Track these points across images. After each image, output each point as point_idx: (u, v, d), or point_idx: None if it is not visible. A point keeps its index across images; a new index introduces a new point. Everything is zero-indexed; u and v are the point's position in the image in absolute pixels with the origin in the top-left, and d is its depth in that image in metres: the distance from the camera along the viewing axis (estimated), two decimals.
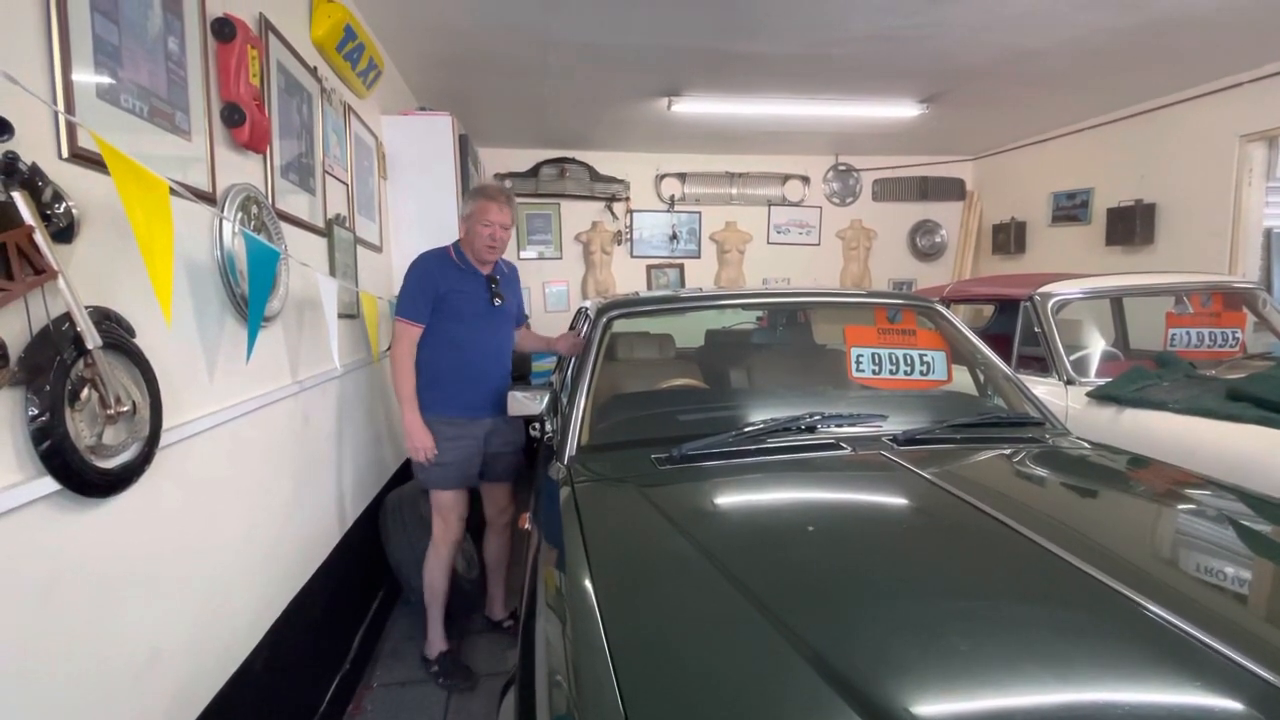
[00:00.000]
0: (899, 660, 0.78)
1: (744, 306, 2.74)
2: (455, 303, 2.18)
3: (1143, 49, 3.26)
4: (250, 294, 1.37)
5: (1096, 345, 2.88)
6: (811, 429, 1.67)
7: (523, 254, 5.43)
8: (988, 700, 0.72)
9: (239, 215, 1.47)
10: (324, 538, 2.05)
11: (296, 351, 1.86)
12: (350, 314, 2.38)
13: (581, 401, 1.86)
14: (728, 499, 1.44)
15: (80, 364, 0.94)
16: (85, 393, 0.95)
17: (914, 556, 1.13)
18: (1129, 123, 4.39)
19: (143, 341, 1.09)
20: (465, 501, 2.32)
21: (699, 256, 5.74)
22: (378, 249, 2.88)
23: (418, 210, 3.12)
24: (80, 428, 0.94)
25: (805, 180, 5.77)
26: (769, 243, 5.81)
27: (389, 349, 2.26)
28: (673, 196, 5.61)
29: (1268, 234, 4.00)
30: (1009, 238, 5.38)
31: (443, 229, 2.96)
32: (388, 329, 2.65)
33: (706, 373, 2.60)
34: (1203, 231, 3.96)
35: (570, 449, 1.74)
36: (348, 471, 2.29)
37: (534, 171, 5.32)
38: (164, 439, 1.13)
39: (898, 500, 1.36)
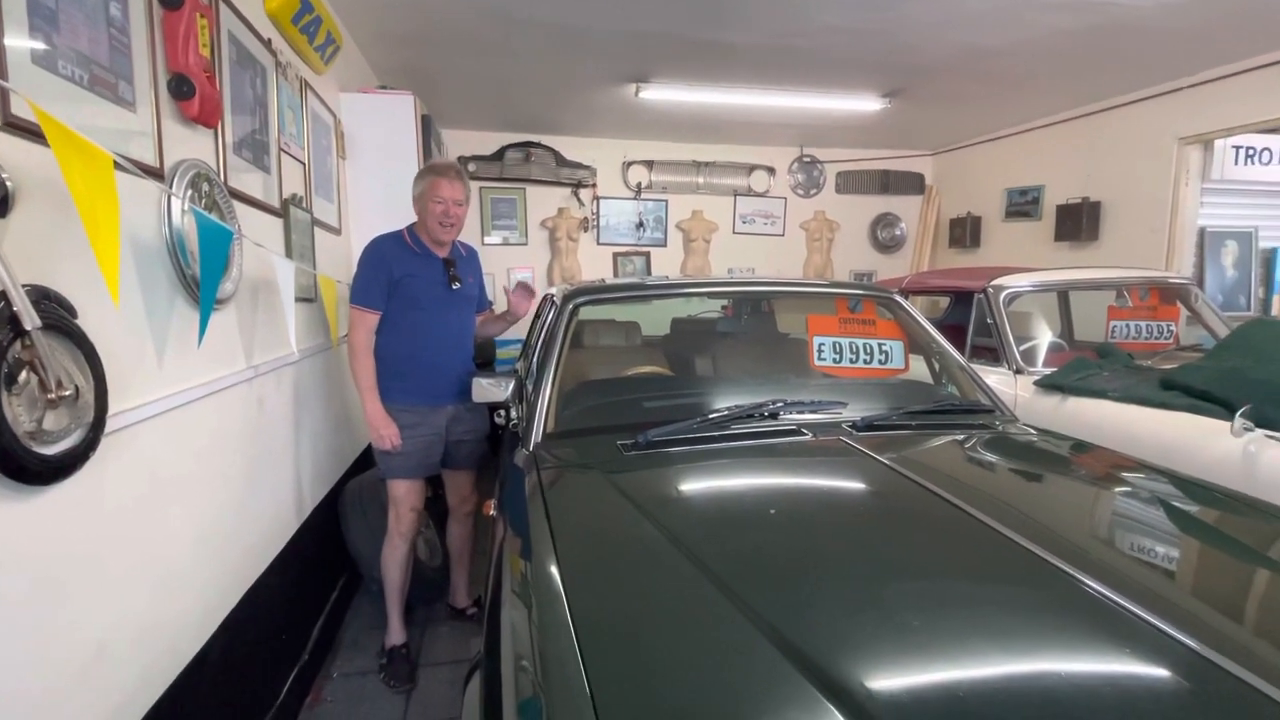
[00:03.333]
0: (856, 637, 0.82)
1: (709, 294, 2.76)
2: (411, 288, 2.12)
3: (1092, 52, 3.39)
4: (202, 275, 1.32)
5: (1044, 336, 3.01)
6: (774, 415, 1.71)
7: (487, 240, 5.35)
8: (937, 673, 0.76)
9: (189, 193, 1.41)
10: (281, 526, 2.00)
11: (251, 335, 1.80)
12: (308, 298, 2.31)
13: (547, 388, 1.85)
14: (692, 484, 1.46)
15: (17, 345, 0.89)
16: (23, 376, 0.90)
17: (871, 538, 1.17)
18: (1077, 123, 4.56)
19: (85, 323, 1.04)
20: (419, 493, 2.28)
21: (665, 245, 5.75)
22: (336, 231, 2.79)
23: (378, 192, 3.03)
24: (18, 412, 0.89)
25: (771, 171, 5.82)
26: (735, 232, 5.86)
27: (346, 336, 2.21)
28: (639, 184, 5.59)
29: (1201, 232, 4.22)
30: (965, 232, 5.55)
31: (404, 212, 2.86)
32: (347, 313, 2.59)
33: (672, 360, 2.62)
34: (1143, 229, 4.16)
35: (536, 436, 1.74)
36: (306, 459, 2.23)
37: (498, 155, 5.23)
38: (110, 424, 1.08)
39: (856, 484, 1.40)
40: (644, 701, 0.73)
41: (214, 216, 1.45)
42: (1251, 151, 4.25)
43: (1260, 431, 1.79)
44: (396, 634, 2.27)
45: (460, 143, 5.12)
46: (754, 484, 1.47)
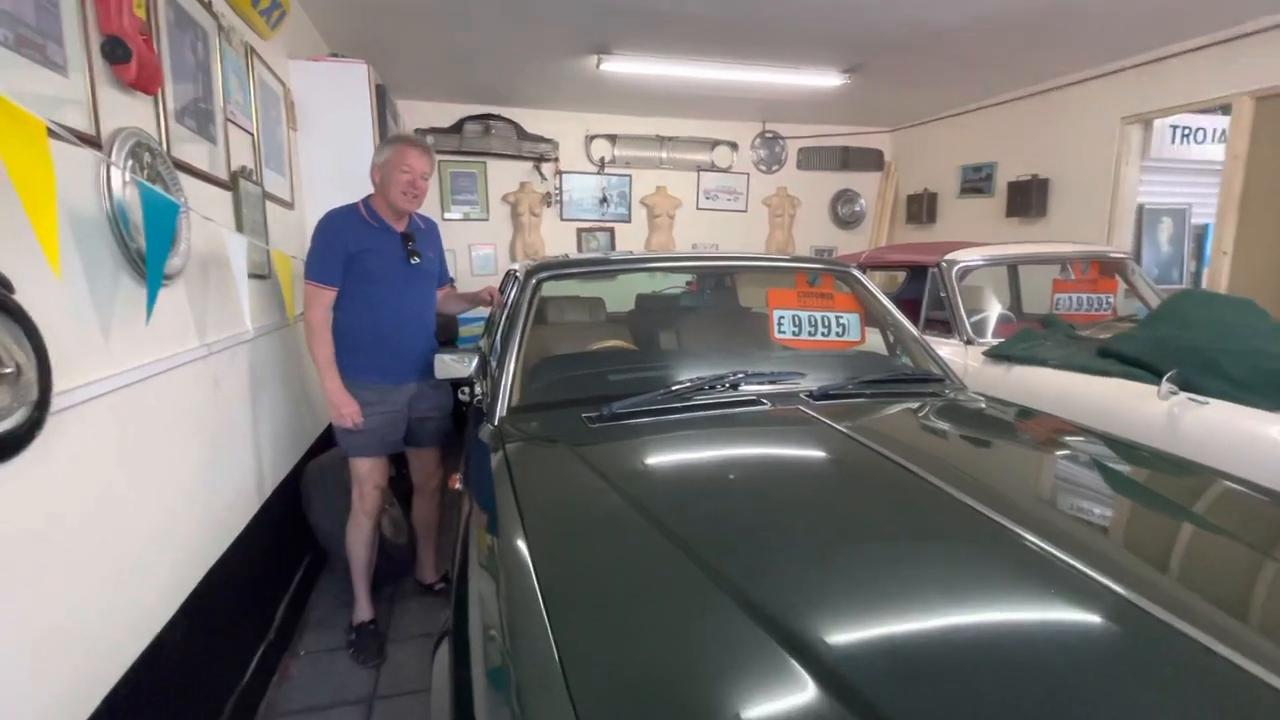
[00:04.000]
0: (814, 594, 0.86)
1: (670, 269, 2.78)
2: (368, 263, 2.07)
3: (1041, 32, 3.48)
4: (148, 250, 1.27)
5: (994, 309, 3.12)
6: (735, 386, 1.75)
7: (447, 215, 5.24)
8: (891, 624, 0.81)
9: (129, 163, 1.35)
10: (242, 506, 1.97)
11: (203, 313, 1.75)
12: (261, 274, 2.24)
13: (511, 363, 1.86)
14: (656, 454, 1.49)
15: None
16: None
17: (827, 501, 1.22)
18: (1028, 102, 4.69)
19: (23, 298, 1.00)
20: (383, 470, 2.26)
21: (630, 221, 5.73)
22: (289, 205, 2.71)
23: (332, 165, 2.94)
24: None
25: (734, 146, 5.83)
26: (698, 208, 5.87)
27: (303, 313, 2.15)
28: (603, 159, 5.54)
29: (1140, 209, 4.42)
30: (922, 208, 5.68)
31: (360, 185, 2.78)
32: (303, 289, 2.52)
33: (636, 335, 2.64)
34: (1087, 205, 4.33)
35: (501, 410, 1.75)
36: (265, 439, 2.19)
37: (457, 128, 5.10)
38: (56, 403, 1.05)
39: (813, 451, 1.46)
40: (612, 667, 0.75)
41: (158, 189, 1.39)
42: (1187, 131, 4.46)
43: (1184, 395, 1.91)
44: (364, 610, 2.27)
45: (417, 114, 4.97)
46: (716, 452, 1.51)
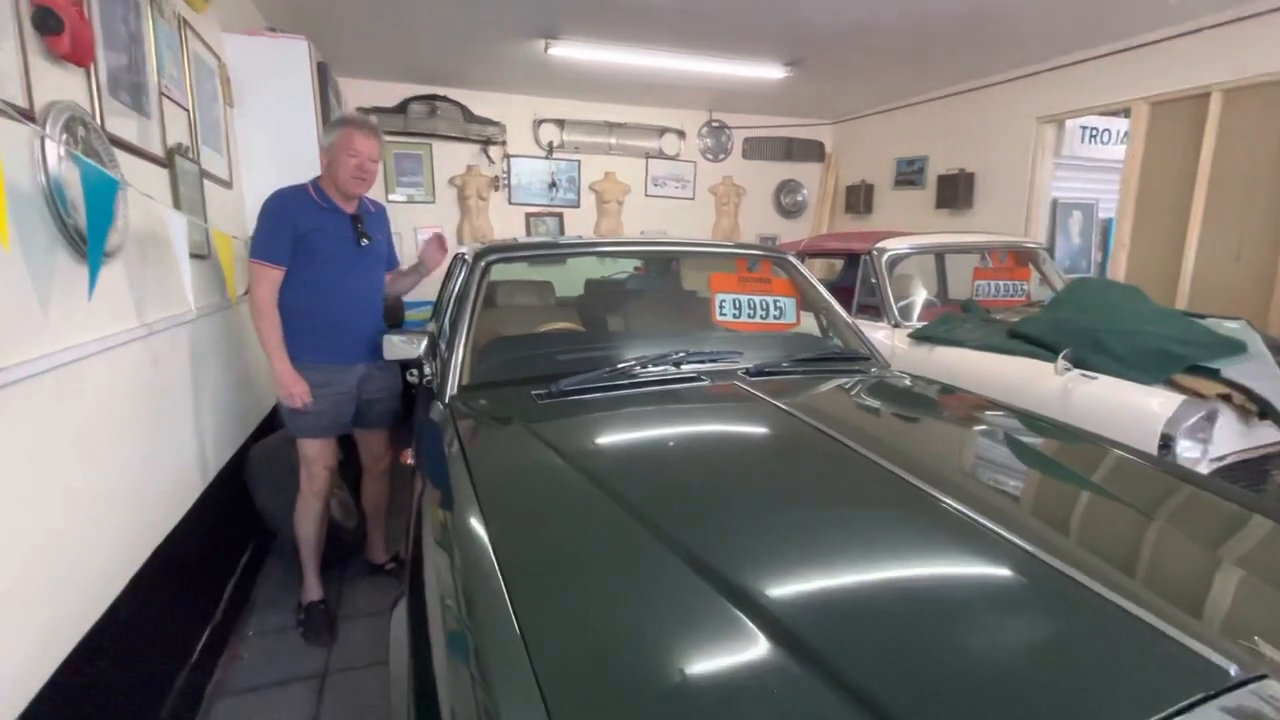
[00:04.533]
0: (755, 554, 0.94)
1: (617, 254, 2.86)
2: (317, 243, 2.06)
3: (970, 34, 3.70)
4: (90, 225, 1.26)
5: (920, 295, 3.34)
6: (677, 365, 1.85)
7: (392, 197, 5.15)
8: (823, 579, 0.91)
9: (64, 137, 1.33)
10: (186, 489, 1.96)
11: (141, 292, 1.72)
12: (200, 254, 2.20)
13: (461, 343, 1.90)
14: (604, 428, 1.58)
15: None
16: None
17: (764, 470, 1.33)
18: (956, 99, 4.96)
19: None
20: (332, 451, 2.27)
21: (578, 206, 5.76)
22: (227, 184, 2.64)
23: (272, 144, 2.87)
24: None
25: (681, 134, 5.92)
26: (647, 195, 5.95)
27: (247, 292, 2.12)
28: (551, 143, 5.53)
29: (1054, 204, 4.77)
30: (860, 198, 5.93)
31: (301, 164, 2.73)
32: (245, 270, 2.48)
33: (585, 318, 2.71)
34: (1008, 199, 4.63)
35: (451, 389, 1.80)
36: (207, 420, 2.16)
37: (401, 108, 5.00)
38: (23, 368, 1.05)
39: (749, 424, 1.57)
40: (570, 631, 0.80)
41: (94, 164, 1.37)
42: (1094, 132, 4.82)
43: (1076, 371, 2.14)
44: (314, 590, 2.28)
45: (360, 93, 4.85)
46: (660, 425, 1.60)
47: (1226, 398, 1.95)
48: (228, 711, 1.85)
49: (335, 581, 2.48)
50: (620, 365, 1.82)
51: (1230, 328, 2.20)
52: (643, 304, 2.87)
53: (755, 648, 0.76)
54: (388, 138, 5.00)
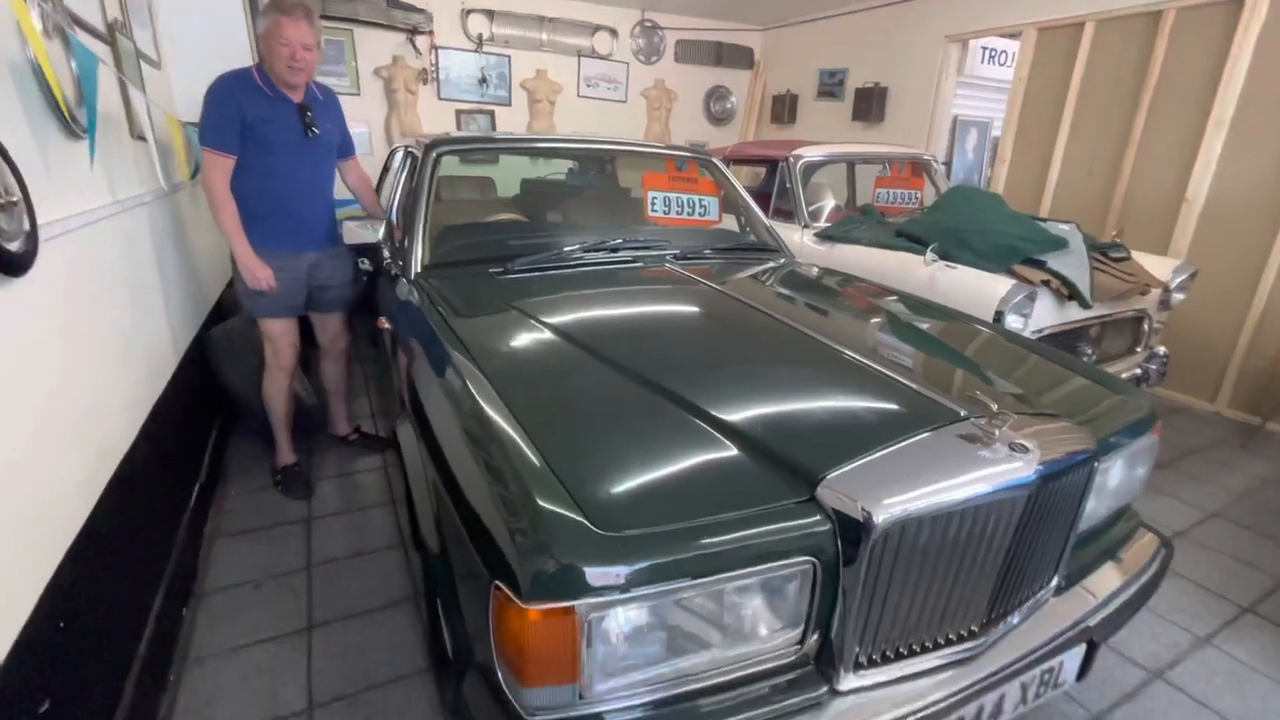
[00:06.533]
0: (703, 384, 1.25)
1: (564, 150, 3.03)
2: (264, 133, 2.06)
3: None
4: (86, 93, 1.37)
5: (829, 201, 3.73)
6: (615, 250, 2.16)
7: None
8: (758, 407, 1.21)
9: (37, 10, 1.40)
10: (163, 365, 2.11)
11: (110, 170, 1.80)
12: (143, 136, 2.22)
13: (420, 226, 2.11)
14: (558, 296, 1.86)
15: None
16: None
17: (697, 327, 1.69)
18: (874, 13, 5.19)
19: None
20: (295, 329, 2.37)
21: (510, 104, 5.70)
22: (156, 64, 2.58)
23: (198, 24, 2.78)
24: None
25: (614, 33, 5.87)
26: (579, 95, 5.94)
27: (196, 176, 2.16)
28: (480, 35, 5.38)
29: (954, 120, 5.21)
30: (785, 108, 6.17)
31: (228, 43, 2.70)
32: (190, 153, 2.51)
33: (528, 212, 2.93)
34: (915, 114, 5.03)
35: (416, 267, 2.03)
36: (175, 298, 2.28)
37: None
38: (42, 234, 1.22)
39: (682, 295, 1.89)
40: (583, 454, 1.02)
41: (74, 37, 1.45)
42: (994, 53, 5.22)
43: (941, 262, 2.61)
44: (287, 455, 2.53)
45: None
46: (607, 294, 1.91)
47: (1047, 283, 2.47)
48: (227, 549, 2.13)
49: (303, 452, 2.73)
50: (568, 249, 2.10)
51: (1062, 229, 2.71)
52: (582, 199, 3.10)
53: (712, 441, 1.09)
54: None
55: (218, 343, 2.60)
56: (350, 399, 2.84)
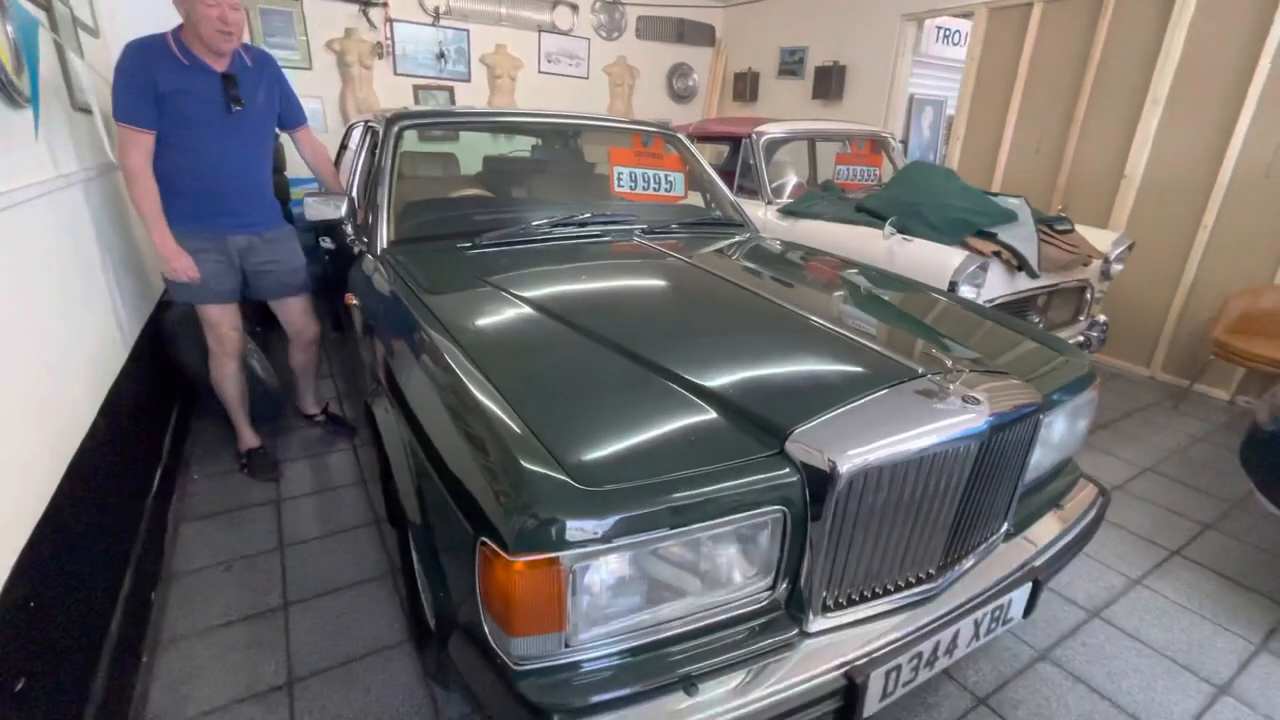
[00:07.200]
0: (676, 350, 1.29)
1: (529, 126, 2.99)
2: (180, 106, 1.87)
3: None
4: (29, 61, 1.31)
5: (791, 178, 3.79)
6: (583, 224, 2.17)
7: None
8: (729, 370, 1.24)
9: None
10: (117, 342, 2.05)
11: (52, 143, 1.72)
12: (87, 108, 2.12)
13: (385, 201, 2.09)
14: (530, 269, 1.88)
15: None
16: None
17: (666, 295, 1.72)
18: None
19: None
20: (234, 312, 2.24)
21: (469, 80, 5.58)
22: (93, 32, 2.45)
23: None
24: None
25: (574, 8, 5.79)
26: (540, 71, 5.85)
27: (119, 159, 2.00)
28: (437, 9, 5.23)
29: (910, 99, 5.33)
30: (746, 86, 6.20)
31: (167, 10, 2.54)
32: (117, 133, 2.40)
33: (492, 188, 2.90)
34: (873, 92, 5.12)
35: (381, 242, 2.01)
36: (125, 277, 2.20)
37: None
38: None
39: (653, 267, 1.92)
40: (561, 420, 1.05)
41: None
42: (948, 32, 5.34)
43: (899, 235, 2.70)
44: (249, 439, 2.48)
45: None
46: (579, 267, 1.92)
47: (998, 254, 2.58)
48: (195, 532, 2.10)
49: (268, 435, 2.69)
50: (536, 224, 2.10)
51: (1011, 203, 2.83)
52: (547, 175, 3.08)
53: (686, 401, 1.14)
54: None
55: (172, 324, 2.51)
56: (318, 379, 2.79)
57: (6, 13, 1.40)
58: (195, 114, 1.92)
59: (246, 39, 4.62)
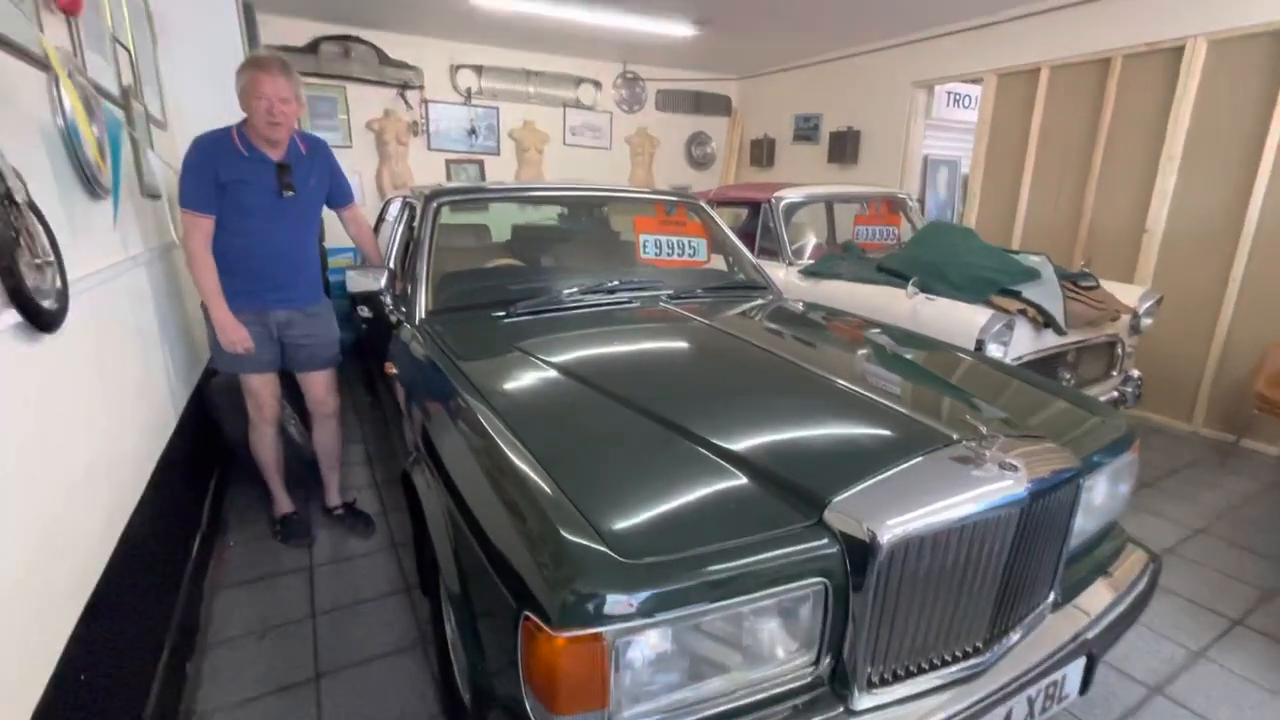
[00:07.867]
0: (707, 415, 1.31)
1: (557, 199, 3.14)
2: (238, 194, 2.04)
3: (859, 2, 4.16)
4: (113, 157, 1.44)
5: (810, 239, 3.88)
6: (612, 291, 2.24)
7: None
8: (760, 435, 1.27)
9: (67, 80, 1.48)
10: (169, 411, 2.13)
11: (126, 227, 1.86)
12: (155, 194, 2.29)
13: (424, 272, 2.19)
14: (562, 336, 1.93)
15: (14, 213, 1.08)
16: (21, 241, 1.09)
17: (695, 361, 1.76)
18: (846, 61, 5.48)
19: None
20: (274, 382, 2.34)
21: (499, 154, 5.88)
22: (162, 125, 2.67)
23: (201, 83, 2.89)
24: (25, 271, 1.09)
25: (597, 85, 6.12)
26: (565, 144, 6.15)
27: (183, 242, 2.13)
28: (469, 89, 5.58)
29: (925, 160, 5.46)
30: (763, 152, 6.42)
31: (230, 100, 2.76)
32: (180, 219, 2.57)
33: (524, 257, 3.01)
34: (887, 155, 5.27)
35: (420, 313, 2.09)
36: (177, 348, 2.31)
37: (312, 48, 4.89)
38: (70, 291, 1.27)
39: (680, 332, 1.96)
40: (602, 489, 1.07)
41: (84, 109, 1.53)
42: (958, 96, 5.52)
43: (922, 295, 2.72)
44: (284, 505, 2.52)
45: (274, 31, 4.70)
46: (609, 333, 1.97)
47: (1023, 312, 2.58)
48: (230, 600, 2.12)
49: (301, 499, 2.72)
50: (567, 292, 2.18)
51: (1033, 260, 2.86)
52: (575, 244, 3.20)
53: (720, 469, 1.15)
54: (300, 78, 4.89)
55: (218, 393, 2.61)
56: (343, 468, 2.70)
57: (95, 116, 1.55)
58: (251, 201, 2.07)
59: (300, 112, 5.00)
